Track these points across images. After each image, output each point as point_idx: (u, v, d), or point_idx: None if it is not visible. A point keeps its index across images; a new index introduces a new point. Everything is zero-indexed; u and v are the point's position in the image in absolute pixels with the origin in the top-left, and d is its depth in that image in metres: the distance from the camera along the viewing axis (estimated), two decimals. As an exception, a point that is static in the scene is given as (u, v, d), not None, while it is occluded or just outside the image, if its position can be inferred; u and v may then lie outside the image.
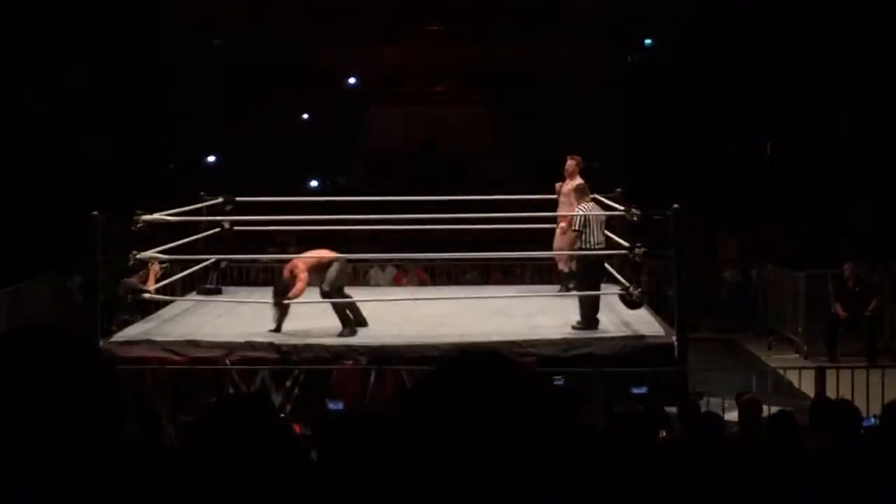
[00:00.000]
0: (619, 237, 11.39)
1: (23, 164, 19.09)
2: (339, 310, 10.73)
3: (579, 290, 11.15)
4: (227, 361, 10.04)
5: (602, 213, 11.28)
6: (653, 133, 21.44)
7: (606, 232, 11.42)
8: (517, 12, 22.47)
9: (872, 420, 6.93)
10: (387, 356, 10.00)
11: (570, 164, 12.15)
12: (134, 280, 11.87)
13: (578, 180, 11.74)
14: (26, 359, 1.53)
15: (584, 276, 11.07)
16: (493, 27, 22.57)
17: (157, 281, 11.84)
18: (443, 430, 1.34)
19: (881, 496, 4.62)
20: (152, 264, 11.65)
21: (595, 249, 10.95)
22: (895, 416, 5.96)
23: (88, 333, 10.39)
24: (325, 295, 10.79)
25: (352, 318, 10.76)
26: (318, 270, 10.78)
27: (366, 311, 11.16)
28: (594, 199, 11.68)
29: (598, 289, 11.13)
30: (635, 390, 9.07)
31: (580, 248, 10.95)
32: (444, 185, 15.34)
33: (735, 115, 21.31)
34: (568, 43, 21.94)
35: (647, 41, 23.17)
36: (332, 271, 10.77)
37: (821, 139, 19.98)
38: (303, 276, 10.61)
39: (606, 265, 12.05)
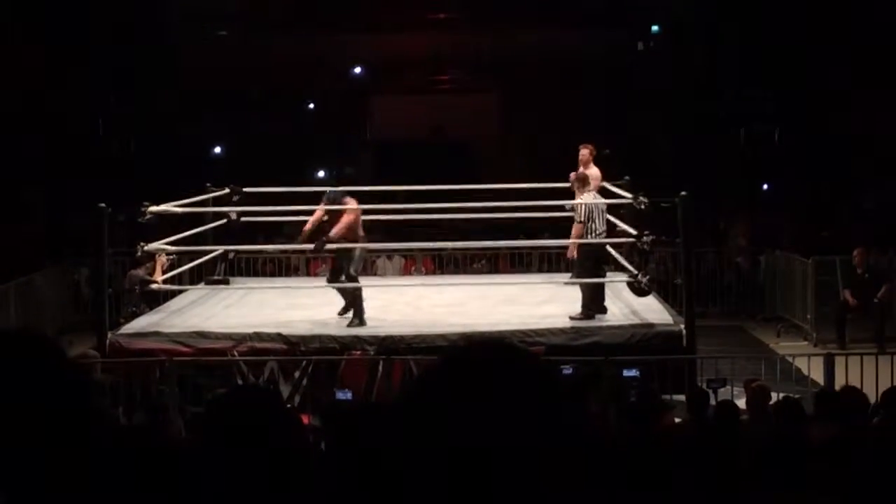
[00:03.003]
0: (627, 225, 11.36)
1: (31, 159, 19.13)
2: (356, 297, 10.74)
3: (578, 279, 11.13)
4: (236, 352, 10.05)
5: (604, 201, 11.18)
6: (661, 120, 21.41)
7: (614, 220, 11.38)
8: (523, 0, 22.42)
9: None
10: (395, 346, 10.00)
11: (584, 153, 11.62)
12: (141, 272, 11.89)
13: (591, 169, 11.55)
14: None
15: (582, 267, 11.03)
16: (499, 15, 22.52)
17: (164, 272, 11.85)
18: (448, 418, 1.33)
19: (888, 484, 4.61)
20: (159, 256, 11.66)
21: (596, 239, 10.89)
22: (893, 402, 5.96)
23: (96, 325, 10.42)
24: (350, 279, 10.79)
25: (363, 308, 10.76)
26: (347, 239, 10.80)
27: (374, 301, 11.17)
28: (601, 188, 11.63)
29: (596, 278, 11.06)
30: (627, 373, 9.05)
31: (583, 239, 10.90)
32: (451, 173, 15.32)
33: (743, 101, 21.27)
34: (575, 30, 21.89)
35: (655, 28, 23.11)
36: (357, 253, 10.83)
37: (830, 125, 19.94)
38: (345, 220, 10.60)
39: (614, 253, 12.03)
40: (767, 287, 15.43)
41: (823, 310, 13.51)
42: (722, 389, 8.76)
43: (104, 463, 1.54)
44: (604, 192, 11.68)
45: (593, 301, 10.75)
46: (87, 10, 19.89)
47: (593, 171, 11.41)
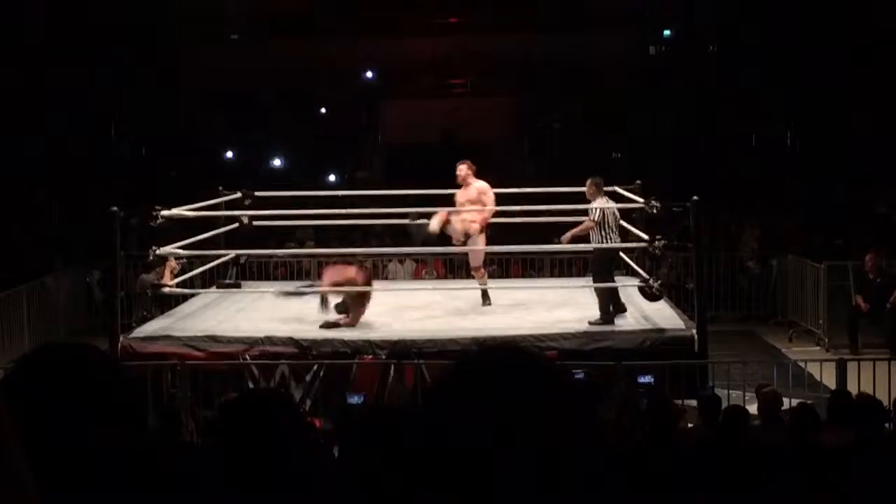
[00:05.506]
0: (639, 230, 11.34)
1: (44, 162, 19.19)
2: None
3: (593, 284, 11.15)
4: (247, 356, 10.05)
5: (616, 206, 11.17)
6: (673, 124, 21.39)
7: (626, 224, 11.38)
8: (534, 4, 22.44)
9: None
10: (406, 350, 9.99)
11: (461, 168, 11.58)
12: (151, 276, 11.90)
13: (479, 183, 11.50)
14: (55, 372, 1.57)
15: (596, 272, 11.03)
16: (510, 19, 22.53)
17: (175, 276, 11.86)
18: (464, 424, 1.33)
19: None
20: (169, 260, 11.67)
21: (612, 245, 10.89)
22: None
23: (109, 328, 10.44)
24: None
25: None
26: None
27: (385, 305, 11.18)
28: (613, 193, 11.62)
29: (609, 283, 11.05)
30: (641, 379, 9.04)
31: (600, 244, 10.89)
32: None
33: (756, 106, 21.24)
34: (587, 34, 21.89)
35: (667, 32, 23.11)
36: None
37: (841, 129, 19.90)
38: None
39: (626, 258, 12.01)
40: (779, 291, 15.38)
41: (836, 315, 13.48)
42: (734, 394, 8.74)
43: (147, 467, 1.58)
44: (615, 197, 11.68)
45: (610, 303, 10.74)
46: (98, 10, 19.96)
47: (481, 185, 11.42)
